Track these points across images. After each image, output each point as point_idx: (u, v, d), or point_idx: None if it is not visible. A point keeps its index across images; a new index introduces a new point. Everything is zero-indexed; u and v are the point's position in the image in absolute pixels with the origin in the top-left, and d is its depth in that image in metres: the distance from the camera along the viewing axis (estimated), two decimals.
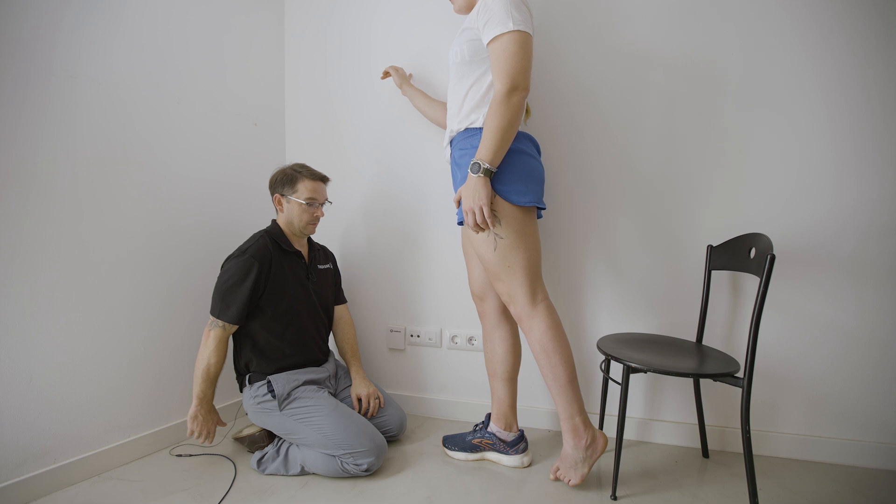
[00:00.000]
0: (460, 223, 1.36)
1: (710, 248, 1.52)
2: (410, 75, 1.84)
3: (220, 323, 1.43)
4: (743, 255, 1.36)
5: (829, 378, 1.51)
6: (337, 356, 1.76)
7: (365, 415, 1.56)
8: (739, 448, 1.52)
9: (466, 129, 1.35)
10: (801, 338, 1.53)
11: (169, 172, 1.61)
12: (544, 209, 1.42)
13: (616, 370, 1.64)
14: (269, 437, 1.55)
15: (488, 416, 1.57)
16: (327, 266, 1.71)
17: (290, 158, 2.09)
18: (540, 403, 1.79)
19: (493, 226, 1.28)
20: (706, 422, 1.56)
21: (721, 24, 1.54)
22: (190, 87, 1.67)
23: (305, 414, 1.42)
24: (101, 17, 1.41)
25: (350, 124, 1.99)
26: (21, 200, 1.24)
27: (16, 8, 1.23)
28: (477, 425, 1.59)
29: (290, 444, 1.47)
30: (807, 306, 1.51)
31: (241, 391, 1.55)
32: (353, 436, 1.38)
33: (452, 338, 1.87)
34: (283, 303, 1.51)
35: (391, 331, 1.95)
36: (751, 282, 1.54)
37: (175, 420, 1.63)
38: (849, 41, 1.44)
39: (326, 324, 1.70)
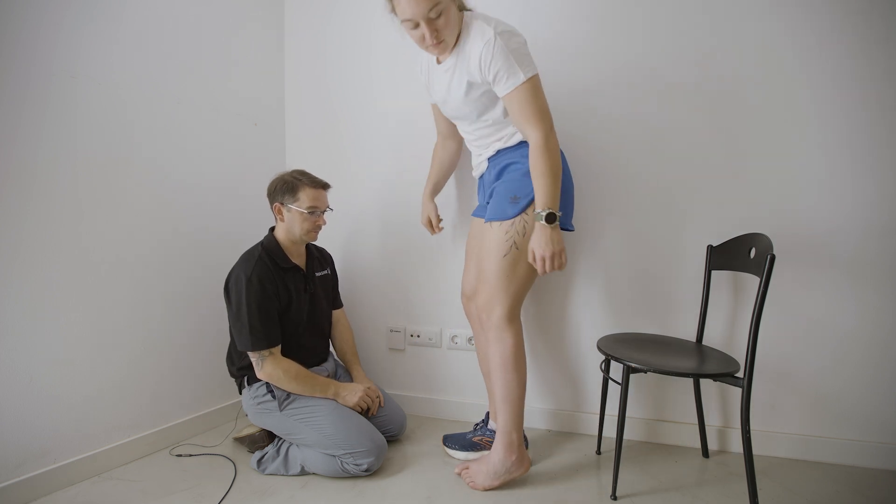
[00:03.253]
0: (476, 215, 1.35)
1: (710, 248, 1.52)
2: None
3: (266, 353, 1.42)
4: (743, 255, 1.36)
5: (829, 378, 1.51)
6: (335, 358, 1.76)
7: (365, 413, 1.56)
8: (739, 448, 1.52)
9: (519, 144, 1.36)
10: (801, 338, 1.53)
11: (169, 172, 1.61)
12: (571, 231, 1.41)
13: (616, 370, 1.64)
14: (269, 437, 1.55)
15: (488, 415, 1.57)
16: (325, 272, 1.69)
17: (290, 158, 2.09)
18: (539, 403, 1.79)
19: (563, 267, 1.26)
20: (706, 422, 1.56)
21: (720, 24, 1.54)
22: (190, 87, 1.67)
23: (305, 414, 1.42)
24: (101, 17, 1.40)
25: (350, 124, 1.99)
26: (21, 200, 1.24)
27: (16, 8, 1.23)
28: (477, 424, 1.60)
29: (290, 443, 1.47)
30: (807, 306, 1.51)
31: (240, 392, 1.55)
32: (354, 436, 1.38)
33: (452, 338, 1.87)
34: (287, 317, 1.50)
35: (391, 331, 1.95)
36: (751, 282, 1.54)
37: (175, 420, 1.63)
38: (849, 41, 1.44)
39: (326, 330, 1.69)
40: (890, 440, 1.46)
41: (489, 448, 1.52)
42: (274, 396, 1.45)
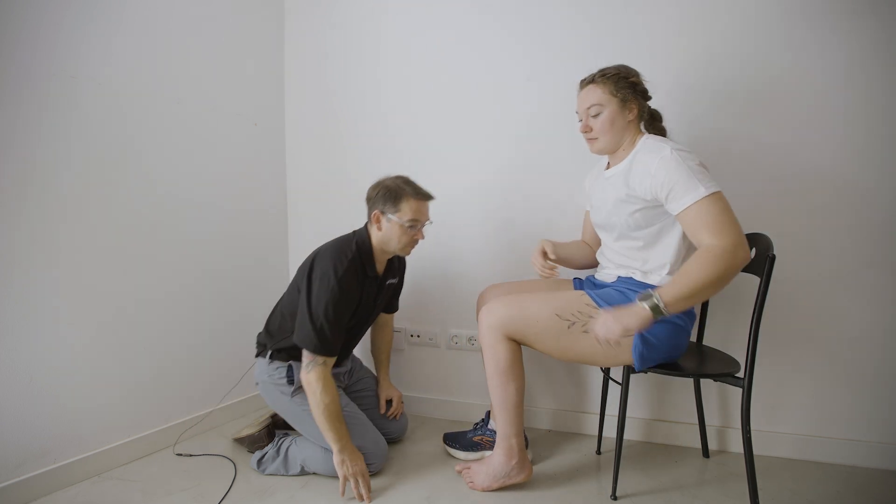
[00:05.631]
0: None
1: None
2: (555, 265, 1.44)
3: (321, 360, 1.33)
4: None
5: (829, 378, 1.51)
6: (354, 354, 1.72)
7: (372, 412, 1.56)
8: (739, 448, 1.52)
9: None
10: (800, 337, 1.52)
11: (168, 172, 1.61)
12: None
13: (616, 370, 1.64)
14: (269, 436, 1.55)
15: (488, 414, 1.57)
16: (394, 280, 1.62)
17: (291, 158, 2.09)
18: (540, 403, 1.79)
19: (611, 343, 1.13)
20: (706, 422, 1.56)
21: (719, 19, 1.54)
22: (190, 86, 1.67)
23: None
24: (101, 18, 1.40)
25: (351, 124, 1.99)
26: (21, 200, 1.24)
27: (16, 8, 1.23)
28: (477, 423, 1.59)
29: (291, 443, 1.47)
30: (807, 306, 1.51)
31: (257, 356, 1.51)
32: (357, 437, 1.38)
33: (452, 338, 1.87)
34: (351, 321, 1.45)
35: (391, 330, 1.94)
36: (751, 282, 1.53)
37: (175, 420, 1.63)
38: (848, 38, 1.44)
39: (364, 333, 1.63)
40: (890, 440, 1.46)
41: (489, 447, 1.52)
42: (290, 382, 1.43)
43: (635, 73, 1.31)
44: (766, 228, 1.49)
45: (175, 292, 1.63)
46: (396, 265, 1.63)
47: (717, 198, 1.11)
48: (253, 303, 1.92)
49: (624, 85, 1.27)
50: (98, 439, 1.41)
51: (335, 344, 1.35)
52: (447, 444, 1.57)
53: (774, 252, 1.18)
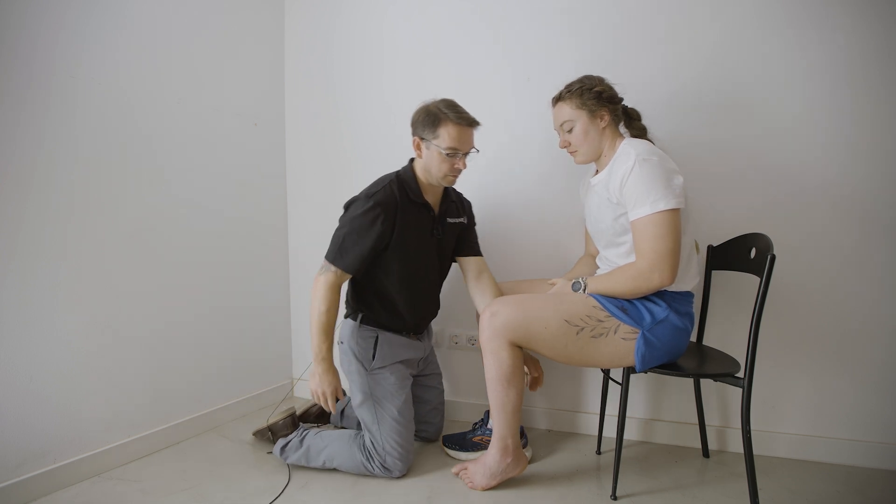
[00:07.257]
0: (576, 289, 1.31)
1: (711, 248, 1.52)
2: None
3: (333, 269, 1.33)
4: (743, 255, 1.36)
5: (829, 378, 1.51)
6: (432, 333, 1.69)
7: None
8: (739, 448, 1.52)
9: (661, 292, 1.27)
10: (801, 338, 1.53)
11: (169, 171, 1.60)
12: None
13: (616, 370, 1.64)
14: (294, 425, 1.53)
15: (487, 413, 1.57)
16: (459, 220, 1.53)
17: (290, 158, 2.09)
18: (539, 403, 1.79)
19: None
20: (706, 422, 1.56)
21: (711, 24, 1.54)
22: (190, 86, 1.67)
23: (381, 394, 1.40)
24: (102, 17, 1.40)
25: (351, 124, 1.99)
26: (20, 200, 1.24)
27: (16, 8, 1.23)
28: (476, 423, 1.59)
29: (315, 436, 1.46)
30: (807, 306, 1.51)
31: (346, 318, 1.51)
32: (402, 441, 1.39)
33: (452, 338, 1.87)
34: (406, 258, 1.41)
35: None
36: (751, 282, 1.54)
37: (175, 420, 1.63)
38: (847, 38, 1.44)
39: (440, 283, 1.58)
40: (890, 440, 1.46)
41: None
42: (374, 356, 1.42)
43: (599, 81, 1.33)
44: (767, 228, 1.50)
45: (175, 292, 1.63)
46: (455, 200, 1.55)
47: (660, 217, 1.16)
48: (253, 302, 1.92)
49: (589, 96, 1.30)
50: (98, 439, 1.41)
51: (349, 258, 1.33)
52: (446, 447, 1.57)
53: (774, 252, 1.18)
